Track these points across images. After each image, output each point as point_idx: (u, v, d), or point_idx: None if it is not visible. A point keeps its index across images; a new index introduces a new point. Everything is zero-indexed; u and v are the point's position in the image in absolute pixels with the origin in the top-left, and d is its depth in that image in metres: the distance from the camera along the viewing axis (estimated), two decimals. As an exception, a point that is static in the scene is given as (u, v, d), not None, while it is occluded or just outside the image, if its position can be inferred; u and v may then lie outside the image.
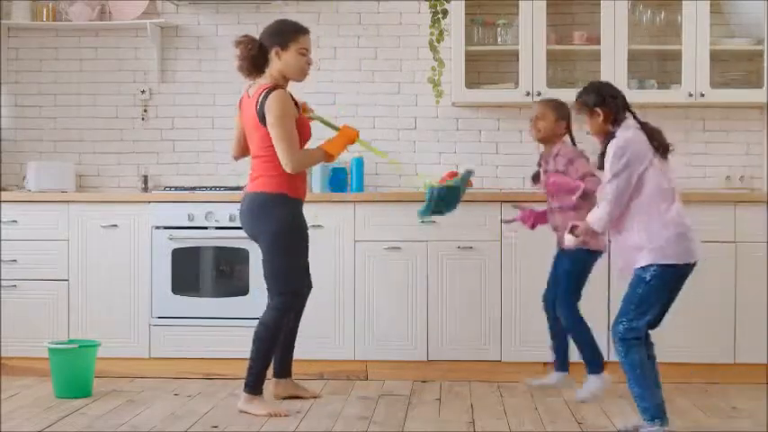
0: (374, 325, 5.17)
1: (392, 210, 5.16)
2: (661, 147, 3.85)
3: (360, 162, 5.56)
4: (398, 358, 5.17)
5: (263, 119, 4.26)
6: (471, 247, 5.13)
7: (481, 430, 4.05)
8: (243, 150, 4.57)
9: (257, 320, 4.40)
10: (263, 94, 4.26)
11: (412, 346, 5.16)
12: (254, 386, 4.33)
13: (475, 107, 5.74)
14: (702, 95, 5.36)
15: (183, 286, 5.23)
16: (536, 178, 4.75)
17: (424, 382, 5.13)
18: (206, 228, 5.22)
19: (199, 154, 5.85)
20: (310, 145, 4.47)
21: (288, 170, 4.24)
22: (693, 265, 3.83)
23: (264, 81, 4.34)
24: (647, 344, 3.86)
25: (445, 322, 5.15)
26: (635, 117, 3.92)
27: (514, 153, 5.73)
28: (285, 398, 4.63)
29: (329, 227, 5.16)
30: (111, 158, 5.89)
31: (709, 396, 4.75)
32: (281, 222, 4.29)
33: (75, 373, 4.72)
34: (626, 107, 3.94)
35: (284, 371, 4.67)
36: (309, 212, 5.06)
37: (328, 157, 4.39)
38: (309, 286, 4.59)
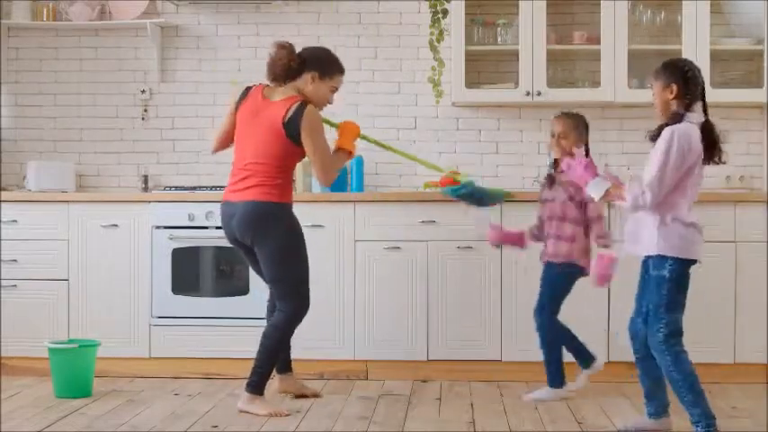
0: (374, 325, 5.17)
1: (392, 210, 5.16)
2: (708, 154, 3.74)
3: (360, 162, 5.56)
4: (398, 358, 5.17)
5: (291, 132, 4.26)
6: (471, 247, 5.13)
7: (481, 430, 4.05)
8: (225, 144, 4.57)
9: (257, 320, 4.44)
10: (297, 105, 4.27)
11: (412, 346, 5.16)
12: (257, 386, 4.34)
13: (475, 107, 5.74)
14: (702, 95, 5.36)
15: (183, 286, 5.23)
16: (550, 183, 4.65)
17: (424, 381, 5.13)
18: (206, 228, 5.22)
19: (199, 154, 5.85)
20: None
21: (323, 180, 4.33)
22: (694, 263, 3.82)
23: (292, 93, 4.35)
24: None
25: (445, 322, 5.15)
26: (705, 112, 3.77)
27: (514, 153, 5.74)
28: (288, 393, 4.67)
29: (329, 227, 5.16)
30: (111, 158, 5.89)
31: (710, 396, 4.71)
32: (292, 231, 4.37)
33: (75, 373, 4.72)
34: (702, 98, 3.78)
35: (286, 366, 4.69)
36: (310, 212, 5.09)
37: (348, 154, 4.47)
38: None
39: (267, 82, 4.41)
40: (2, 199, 5.30)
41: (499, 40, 5.58)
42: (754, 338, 5.06)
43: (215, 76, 5.84)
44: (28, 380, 5.12)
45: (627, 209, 3.77)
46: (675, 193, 3.72)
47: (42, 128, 5.91)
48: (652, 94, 3.86)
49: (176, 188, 5.50)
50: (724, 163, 3.83)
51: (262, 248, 4.35)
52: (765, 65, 5.37)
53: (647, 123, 4.43)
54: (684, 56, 5.35)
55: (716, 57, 5.43)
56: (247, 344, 5.07)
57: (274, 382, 4.66)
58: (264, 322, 4.64)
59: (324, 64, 4.38)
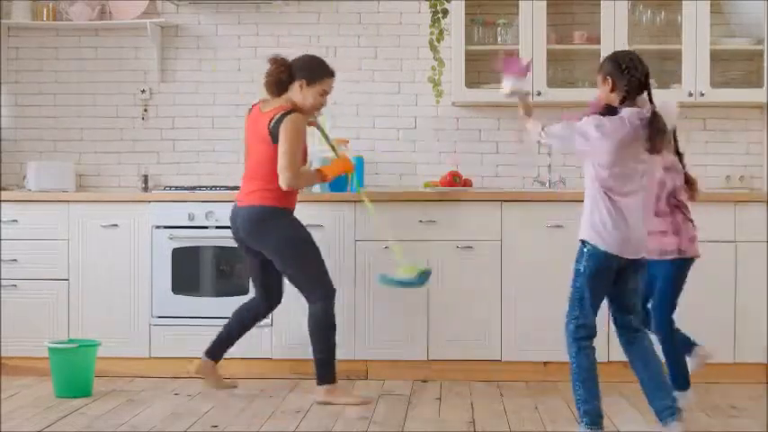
0: (374, 325, 5.16)
1: (392, 210, 5.16)
2: (652, 144, 3.70)
3: (360, 162, 5.55)
4: (398, 358, 5.17)
5: (274, 136, 4.46)
6: (471, 247, 5.13)
7: (481, 430, 4.05)
8: None
9: (257, 320, 4.70)
10: (281, 113, 4.49)
11: (412, 346, 5.16)
12: (327, 377, 4.55)
13: (475, 107, 5.74)
14: (702, 95, 5.37)
15: (183, 286, 5.23)
16: None
17: (424, 381, 5.13)
18: (206, 227, 5.22)
19: (199, 154, 5.85)
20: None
21: (283, 184, 4.46)
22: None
23: (281, 103, 4.57)
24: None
25: (445, 322, 5.14)
26: (651, 102, 3.75)
27: (514, 153, 5.73)
28: (204, 378, 4.78)
29: (329, 227, 5.16)
30: (111, 158, 5.89)
31: (710, 396, 4.75)
32: (293, 227, 4.57)
33: (75, 372, 4.72)
34: (643, 87, 3.77)
35: (214, 352, 4.78)
36: (310, 212, 5.09)
37: (323, 177, 4.62)
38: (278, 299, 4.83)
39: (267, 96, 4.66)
40: (2, 199, 5.30)
41: (499, 40, 5.58)
42: (754, 338, 5.06)
43: (215, 76, 5.84)
44: (28, 380, 5.12)
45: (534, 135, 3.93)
46: (602, 181, 3.71)
47: (42, 128, 5.91)
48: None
49: (176, 188, 5.50)
50: (679, 154, 3.93)
51: (267, 249, 4.55)
52: (765, 65, 5.37)
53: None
54: (684, 56, 5.37)
55: (716, 57, 5.43)
56: (247, 344, 5.08)
57: (196, 361, 4.77)
58: (266, 322, 4.75)
59: (310, 70, 4.59)
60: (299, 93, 4.57)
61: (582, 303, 3.77)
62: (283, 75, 4.57)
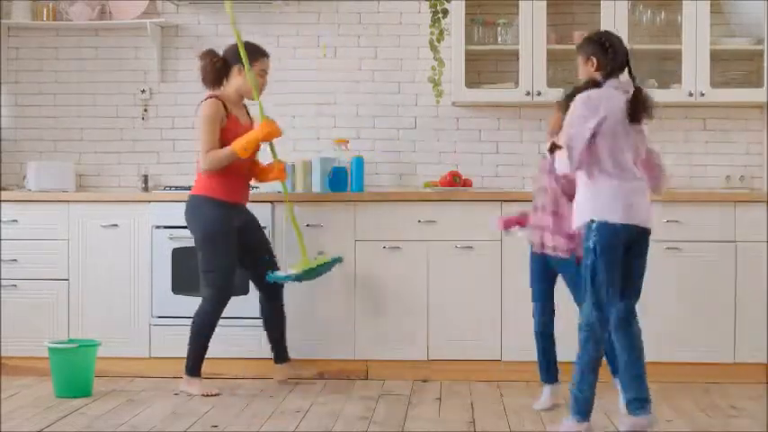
0: (374, 325, 5.16)
1: (392, 210, 5.16)
2: (634, 112, 3.81)
3: (360, 162, 5.55)
4: (398, 358, 5.17)
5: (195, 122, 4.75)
6: (471, 247, 5.13)
7: (481, 430, 4.05)
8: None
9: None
10: (202, 102, 4.74)
11: (412, 346, 5.16)
12: (191, 369, 4.76)
13: (475, 107, 5.74)
14: (702, 95, 5.37)
15: (182, 286, 5.22)
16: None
17: (424, 381, 5.13)
18: (206, 227, 5.22)
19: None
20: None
21: (202, 168, 4.69)
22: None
23: (210, 93, 4.77)
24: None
25: (445, 322, 5.14)
26: (632, 78, 3.88)
27: (514, 153, 5.73)
28: (287, 379, 4.98)
29: (329, 227, 5.16)
30: (111, 158, 5.89)
31: (710, 396, 4.75)
32: (205, 223, 4.71)
33: (75, 372, 4.72)
34: (623, 66, 3.91)
35: (279, 356, 4.97)
36: (310, 212, 5.09)
37: (235, 153, 4.65)
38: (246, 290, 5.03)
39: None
40: (2, 199, 5.30)
41: (499, 39, 5.58)
42: (754, 338, 5.06)
43: (215, 75, 5.83)
44: (28, 380, 5.12)
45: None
46: (599, 161, 3.79)
47: (42, 128, 5.91)
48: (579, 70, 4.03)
49: (176, 188, 5.50)
50: (651, 118, 3.90)
51: (193, 237, 4.81)
52: (765, 65, 5.37)
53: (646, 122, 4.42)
54: (684, 56, 5.36)
55: (716, 57, 5.43)
56: (247, 344, 5.09)
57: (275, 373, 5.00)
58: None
59: (249, 52, 4.72)
60: (238, 77, 4.74)
61: (594, 282, 3.78)
62: (218, 64, 4.74)
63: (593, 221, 3.80)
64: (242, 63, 4.70)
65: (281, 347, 4.97)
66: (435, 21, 5.37)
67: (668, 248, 5.02)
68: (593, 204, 3.82)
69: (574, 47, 5.49)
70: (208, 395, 4.69)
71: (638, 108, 3.81)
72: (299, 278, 4.75)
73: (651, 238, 3.94)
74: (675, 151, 5.65)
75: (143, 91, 5.86)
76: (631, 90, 3.84)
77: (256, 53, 4.77)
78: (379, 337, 5.17)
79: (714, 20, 5.46)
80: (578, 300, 4.33)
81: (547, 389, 4.50)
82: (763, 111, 5.62)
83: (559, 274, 4.41)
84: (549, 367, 4.51)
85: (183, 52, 5.86)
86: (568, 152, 3.79)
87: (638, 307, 3.95)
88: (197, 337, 4.74)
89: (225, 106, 4.73)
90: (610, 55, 3.89)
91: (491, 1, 5.60)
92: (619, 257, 3.80)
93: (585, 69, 3.95)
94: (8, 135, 5.91)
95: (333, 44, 5.80)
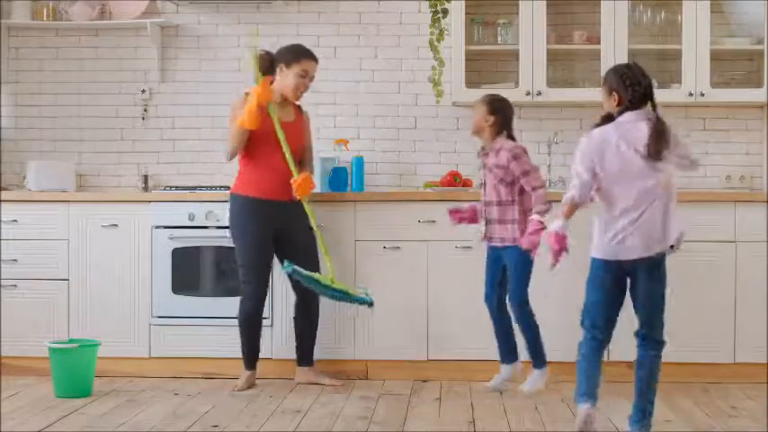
0: (374, 325, 5.16)
1: (392, 210, 5.16)
2: (650, 148, 3.74)
3: (360, 162, 5.56)
4: (398, 358, 5.17)
5: None
6: (471, 247, 5.13)
7: (481, 430, 4.05)
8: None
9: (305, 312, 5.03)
10: None
11: (412, 346, 5.16)
12: (244, 362, 4.89)
13: (475, 107, 5.73)
14: (702, 95, 5.37)
15: (183, 286, 5.23)
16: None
17: (424, 381, 5.13)
18: (206, 227, 5.22)
19: (199, 154, 5.85)
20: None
21: (225, 158, 4.85)
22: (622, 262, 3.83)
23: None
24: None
25: (445, 322, 5.14)
26: (654, 109, 3.82)
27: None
28: (306, 383, 4.98)
29: (329, 227, 5.16)
30: (111, 158, 5.89)
31: (709, 396, 4.75)
32: (231, 219, 4.85)
33: (75, 372, 4.72)
34: (646, 98, 3.83)
35: (303, 359, 5.01)
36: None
37: (240, 127, 4.67)
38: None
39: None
40: (2, 199, 5.30)
41: (499, 39, 5.58)
42: (754, 338, 5.06)
43: (215, 76, 5.84)
44: (28, 380, 5.12)
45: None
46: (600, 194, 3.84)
47: (42, 128, 5.91)
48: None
49: (176, 188, 5.50)
50: (654, 156, 3.78)
51: None
52: (765, 65, 5.37)
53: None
54: (684, 55, 5.36)
55: (716, 57, 5.43)
56: (247, 344, 5.08)
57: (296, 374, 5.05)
58: (264, 321, 4.81)
59: (287, 52, 4.81)
60: (279, 76, 4.79)
61: (586, 305, 3.89)
62: (266, 64, 4.78)
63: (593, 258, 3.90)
64: (284, 63, 4.78)
65: (306, 351, 4.98)
66: (435, 21, 5.37)
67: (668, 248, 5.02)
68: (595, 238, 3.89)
69: (574, 47, 5.54)
70: (233, 388, 4.85)
71: (657, 144, 3.74)
72: (313, 282, 4.66)
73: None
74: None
75: (143, 91, 5.86)
76: (649, 119, 3.77)
77: (299, 54, 4.80)
78: (379, 337, 5.17)
79: (714, 20, 5.46)
80: (510, 289, 4.71)
81: (503, 368, 4.84)
82: (763, 111, 5.62)
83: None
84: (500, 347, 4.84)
85: (183, 52, 5.86)
86: (576, 182, 3.84)
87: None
88: (240, 332, 4.88)
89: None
90: (629, 90, 3.81)
91: (491, 1, 5.60)
92: (609, 287, 3.86)
93: (609, 103, 3.88)
94: (8, 135, 5.92)
95: (333, 44, 5.80)
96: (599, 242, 3.83)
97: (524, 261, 4.64)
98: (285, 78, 4.78)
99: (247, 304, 4.83)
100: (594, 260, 3.86)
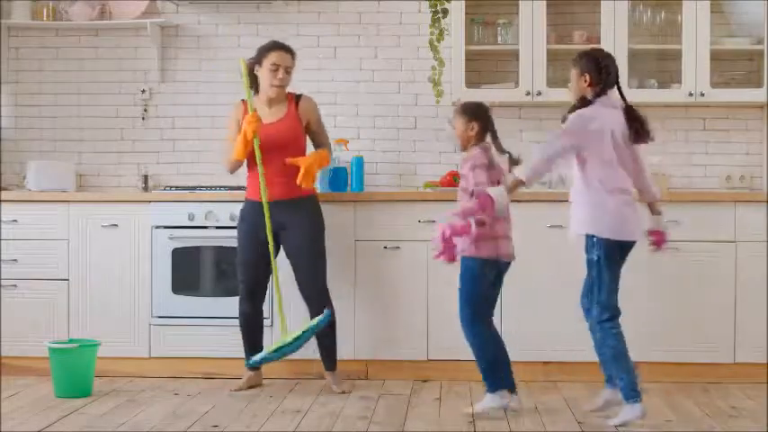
0: (374, 325, 5.16)
1: (392, 210, 5.16)
2: (638, 133, 4.03)
3: (360, 162, 5.55)
4: (398, 358, 5.17)
5: None
6: (471, 247, 5.12)
7: (481, 430, 4.05)
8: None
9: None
10: None
11: (412, 346, 5.16)
12: (246, 362, 4.89)
13: (475, 107, 5.73)
14: (702, 95, 5.36)
15: (183, 286, 5.23)
16: None
17: (425, 381, 5.13)
18: (206, 227, 5.22)
19: (199, 154, 5.85)
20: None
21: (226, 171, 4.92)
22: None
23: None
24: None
25: (445, 322, 5.14)
26: (622, 97, 4.09)
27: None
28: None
29: (329, 227, 5.15)
30: (111, 158, 5.89)
31: (709, 396, 4.75)
32: (238, 224, 4.93)
33: (75, 372, 4.72)
34: (615, 84, 4.08)
35: (327, 365, 4.94)
36: (309, 212, 5.08)
37: (245, 135, 4.68)
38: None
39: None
40: (2, 199, 5.30)
41: (499, 39, 5.58)
42: (754, 338, 5.06)
43: (215, 76, 5.84)
44: (28, 380, 5.12)
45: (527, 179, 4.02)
46: (593, 173, 4.00)
47: (42, 128, 5.91)
48: (568, 84, 4.19)
49: (176, 188, 5.50)
50: (653, 140, 4.12)
51: None
52: (765, 65, 5.37)
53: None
54: (684, 55, 5.36)
55: (716, 57, 5.43)
56: (247, 344, 5.08)
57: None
58: (266, 323, 4.81)
59: (257, 52, 4.82)
60: (259, 76, 4.81)
61: (601, 288, 4.03)
62: (252, 72, 4.82)
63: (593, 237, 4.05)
64: (256, 61, 4.80)
65: (328, 355, 4.90)
66: (435, 21, 5.37)
67: (668, 248, 5.01)
68: (591, 217, 4.06)
69: (574, 47, 5.53)
70: (232, 388, 4.88)
71: (639, 129, 4.03)
72: (279, 352, 4.62)
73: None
74: (675, 151, 5.65)
75: (143, 91, 5.86)
76: (620, 107, 4.06)
77: (267, 49, 4.79)
78: (379, 337, 5.17)
79: (714, 20, 5.46)
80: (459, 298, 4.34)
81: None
82: (763, 111, 5.62)
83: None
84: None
85: (183, 52, 5.86)
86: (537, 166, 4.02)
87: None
88: (240, 332, 4.93)
89: (246, 108, 4.77)
90: (603, 74, 4.04)
91: (491, 1, 5.60)
92: (619, 263, 4.11)
93: (578, 84, 4.10)
94: (8, 135, 5.91)
95: (333, 44, 5.80)
96: (606, 222, 3.99)
97: (470, 276, 4.30)
98: (262, 76, 4.79)
99: (242, 303, 4.90)
100: (606, 240, 4.00)
